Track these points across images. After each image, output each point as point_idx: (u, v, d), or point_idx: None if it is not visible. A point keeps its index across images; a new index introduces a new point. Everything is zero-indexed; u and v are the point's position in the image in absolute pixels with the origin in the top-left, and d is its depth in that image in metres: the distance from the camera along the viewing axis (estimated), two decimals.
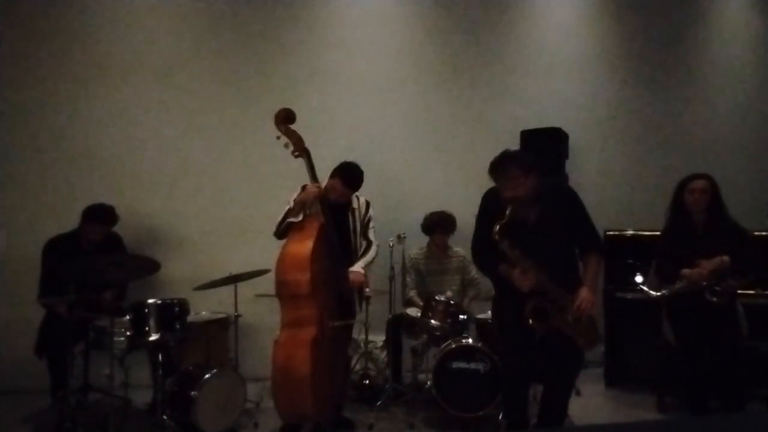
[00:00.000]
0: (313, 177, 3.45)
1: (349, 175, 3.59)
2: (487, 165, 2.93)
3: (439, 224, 4.37)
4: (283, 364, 3.28)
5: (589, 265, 3.03)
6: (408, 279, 4.42)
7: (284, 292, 3.35)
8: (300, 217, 3.44)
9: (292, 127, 3.42)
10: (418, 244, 4.52)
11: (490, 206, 3.01)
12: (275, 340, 3.34)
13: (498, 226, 2.79)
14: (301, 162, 3.45)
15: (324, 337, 3.33)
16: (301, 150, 3.41)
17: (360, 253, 3.70)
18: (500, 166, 2.90)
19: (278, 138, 3.39)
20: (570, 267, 3.02)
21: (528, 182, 2.86)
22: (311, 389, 3.22)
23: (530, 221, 2.93)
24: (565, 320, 2.88)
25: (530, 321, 2.84)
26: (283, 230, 3.51)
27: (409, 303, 4.32)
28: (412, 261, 4.46)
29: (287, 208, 3.51)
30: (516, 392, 3.11)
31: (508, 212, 2.81)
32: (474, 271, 4.41)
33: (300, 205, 3.45)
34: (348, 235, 3.66)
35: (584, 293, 2.91)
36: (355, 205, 3.71)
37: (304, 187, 3.53)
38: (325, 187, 3.56)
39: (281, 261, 3.35)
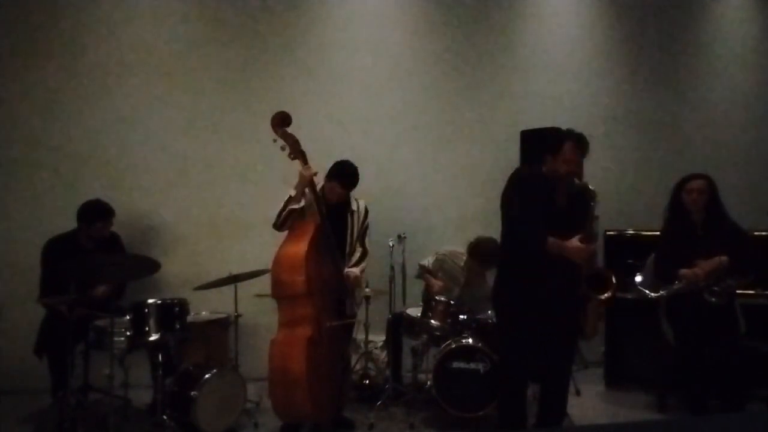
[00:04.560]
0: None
1: (347, 175, 3.61)
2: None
3: (486, 257, 4.05)
4: (279, 363, 3.30)
5: None
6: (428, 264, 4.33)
7: (280, 293, 3.37)
8: (302, 203, 3.47)
9: (288, 129, 3.44)
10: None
11: (531, 188, 3.04)
12: (272, 339, 3.36)
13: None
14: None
15: (321, 337, 3.34)
16: (297, 152, 3.44)
17: (355, 260, 3.74)
18: (583, 139, 3.03)
19: (275, 141, 3.42)
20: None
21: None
22: (307, 389, 3.22)
23: (560, 206, 3.03)
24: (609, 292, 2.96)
25: (590, 290, 2.91)
26: (284, 219, 3.52)
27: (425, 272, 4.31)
28: (439, 259, 4.34)
29: (288, 197, 3.52)
30: (515, 391, 3.12)
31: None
32: None
33: (301, 190, 3.47)
34: (345, 236, 3.68)
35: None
36: (354, 207, 3.73)
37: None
38: (323, 187, 3.60)
39: (277, 261, 3.38)
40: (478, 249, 4.12)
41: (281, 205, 3.54)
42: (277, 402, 3.35)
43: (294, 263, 3.31)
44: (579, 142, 3.03)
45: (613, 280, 2.93)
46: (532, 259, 2.99)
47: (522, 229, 3.02)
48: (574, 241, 2.87)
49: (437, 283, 4.20)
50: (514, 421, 3.12)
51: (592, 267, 2.97)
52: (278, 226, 3.55)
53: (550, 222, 2.92)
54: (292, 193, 3.51)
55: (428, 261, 4.36)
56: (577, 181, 3.00)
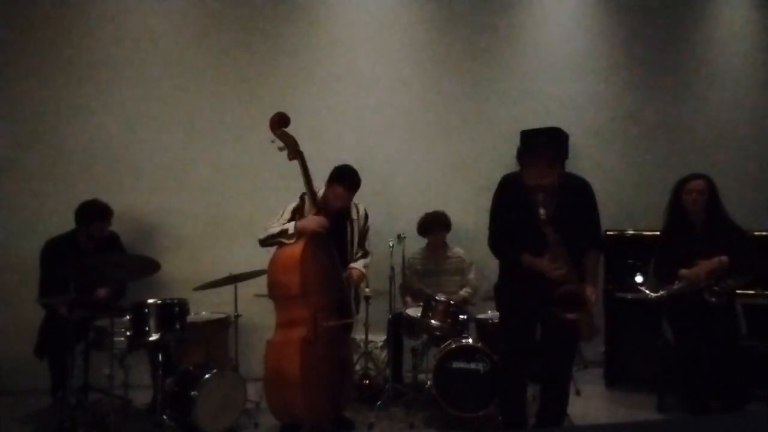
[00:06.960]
0: (307, 180, 3.45)
1: (349, 176, 3.58)
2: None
3: (433, 224, 4.40)
4: (274, 364, 3.30)
5: (588, 261, 3.02)
6: (404, 279, 4.42)
7: (276, 293, 3.37)
8: (293, 240, 3.36)
9: (287, 130, 3.43)
10: (417, 244, 4.53)
11: (510, 193, 2.97)
12: (267, 340, 3.36)
13: (544, 210, 2.74)
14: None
15: (317, 338, 3.32)
16: (295, 153, 3.42)
17: (357, 258, 3.72)
18: (532, 152, 2.84)
19: (273, 142, 3.41)
20: (575, 262, 3.01)
21: (554, 172, 2.83)
22: (302, 390, 3.21)
23: (546, 214, 2.89)
24: (582, 311, 2.88)
25: (559, 309, 2.81)
26: (270, 244, 3.45)
27: (405, 304, 4.35)
28: (409, 262, 4.46)
29: (282, 227, 3.39)
30: (514, 389, 3.11)
31: (540, 199, 2.76)
32: (472, 274, 4.41)
33: (300, 234, 3.36)
34: (345, 245, 3.66)
35: (590, 289, 2.92)
36: (354, 215, 3.72)
37: (302, 197, 3.52)
38: (325, 194, 3.56)
39: (273, 262, 3.38)
40: (422, 223, 4.45)
41: (274, 227, 3.42)
42: (273, 403, 3.35)
43: (289, 264, 3.30)
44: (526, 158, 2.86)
45: (589, 300, 2.85)
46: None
47: (498, 247, 3.04)
48: (545, 261, 2.82)
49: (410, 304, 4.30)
50: (513, 420, 3.11)
51: (568, 287, 2.86)
52: (262, 244, 3.47)
53: (534, 234, 2.81)
54: (290, 229, 3.35)
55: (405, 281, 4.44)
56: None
